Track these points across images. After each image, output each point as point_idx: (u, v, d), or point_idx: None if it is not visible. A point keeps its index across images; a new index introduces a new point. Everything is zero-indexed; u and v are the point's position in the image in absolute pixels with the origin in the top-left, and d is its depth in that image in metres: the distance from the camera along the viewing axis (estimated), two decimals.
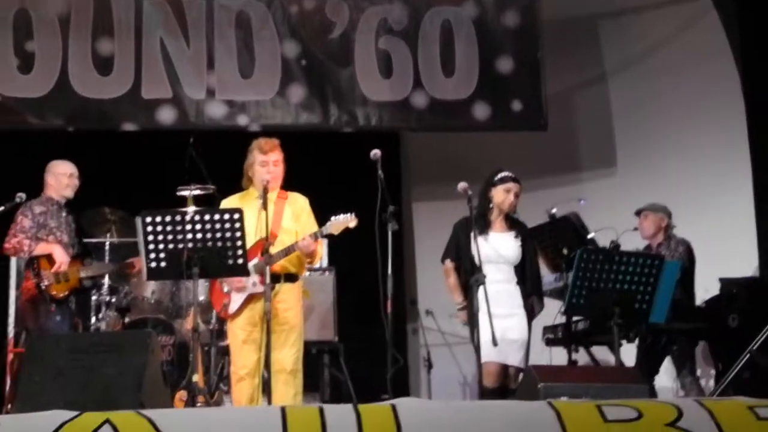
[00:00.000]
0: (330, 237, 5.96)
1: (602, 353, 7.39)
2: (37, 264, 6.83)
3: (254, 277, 5.97)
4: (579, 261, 6.00)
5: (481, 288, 5.81)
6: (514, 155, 9.26)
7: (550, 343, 7.67)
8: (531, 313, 6.38)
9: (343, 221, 5.92)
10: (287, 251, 5.99)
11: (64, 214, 7.11)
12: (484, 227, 6.31)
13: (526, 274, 6.38)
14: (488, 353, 6.02)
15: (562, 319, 7.20)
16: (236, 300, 6.10)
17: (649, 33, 9.53)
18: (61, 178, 7.12)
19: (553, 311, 7.26)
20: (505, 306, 6.14)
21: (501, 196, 6.36)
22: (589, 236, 7.40)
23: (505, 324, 5.98)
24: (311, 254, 6.05)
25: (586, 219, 7.67)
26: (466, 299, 6.29)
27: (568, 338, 7.20)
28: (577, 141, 9.91)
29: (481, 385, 6.07)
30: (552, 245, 7.44)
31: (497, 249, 6.28)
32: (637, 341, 7.20)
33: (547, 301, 7.49)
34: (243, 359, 6.02)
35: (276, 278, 5.96)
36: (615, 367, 6.21)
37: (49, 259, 6.86)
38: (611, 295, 6.02)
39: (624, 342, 6.83)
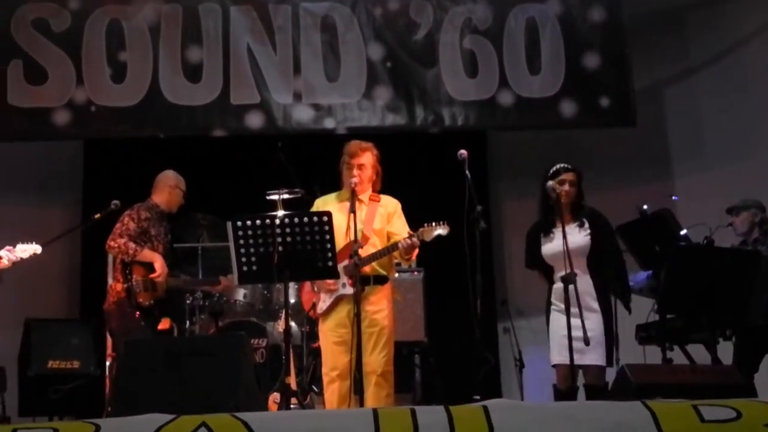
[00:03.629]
0: (421, 243, 5.93)
1: (698, 351, 7.23)
2: (130, 269, 6.95)
3: (344, 279, 6.00)
4: (672, 258, 5.90)
5: (568, 288, 5.72)
6: (603, 151, 9.18)
7: (643, 341, 7.54)
8: (609, 304, 6.09)
9: (436, 229, 5.90)
10: (380, 254, 6.01)
11: (165, 223, 7.23)
12: (547, 228, 6.17)
13: (603, 263, 6.12)
14: (556, 355, 5.99)
15: (656, 317, 7.09)
16: (325, 300, 6.13)
17: (739, 24, 9.34)
18: (175, 191, 7.27)
19: (646, 309, 7.16)
20: (577, 303, 5.81)
21: (556, 189, 6.12)
22: (682, 232, 7.26)
23: (578, 322, 5.70)
24: (411, 254, 6.05)
25: (677, 215, 7.53)
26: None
27: (663, 336, 7.07)
28: (667, 136, 9.77)
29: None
30: (644, 242, 7.31)
31: (566, 243, 5.88)
32: (734, 339, 7.05)
33: (639, 298, 7.39)
34: (334, 361, 6.04)
35: (366, 280, 5.98)
36: (712, 365, 6.08)
37: (144, 266, 6.97)
38: (706, 292, 5.89)
39: (720, 340, 6.69)
